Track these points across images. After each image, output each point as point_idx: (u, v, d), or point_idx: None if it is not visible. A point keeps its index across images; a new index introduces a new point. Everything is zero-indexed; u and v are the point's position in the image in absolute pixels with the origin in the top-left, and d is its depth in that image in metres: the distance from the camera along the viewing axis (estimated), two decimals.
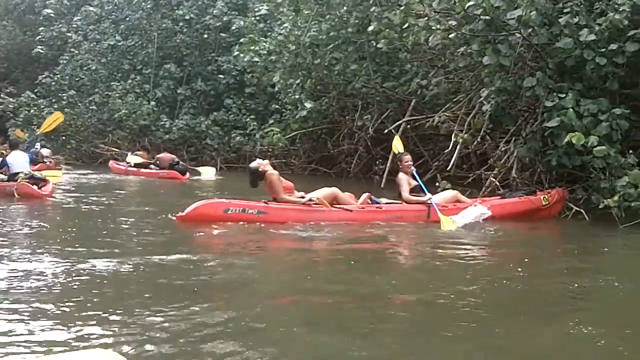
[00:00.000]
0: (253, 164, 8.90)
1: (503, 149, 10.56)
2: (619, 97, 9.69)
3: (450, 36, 9.87)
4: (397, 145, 9.93)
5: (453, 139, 11.50)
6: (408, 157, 9.26)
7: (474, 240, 7.67)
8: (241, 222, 7.90)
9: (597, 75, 9.47)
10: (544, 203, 9.14)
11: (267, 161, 8.93)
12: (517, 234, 8.31)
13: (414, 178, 9.05)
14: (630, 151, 9.12)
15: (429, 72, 14.20)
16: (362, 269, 5.92)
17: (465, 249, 6.98)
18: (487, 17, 9.53)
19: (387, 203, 8.89)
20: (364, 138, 15.29)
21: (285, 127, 18.23)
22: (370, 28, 12.25)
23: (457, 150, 11.43)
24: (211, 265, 5.83)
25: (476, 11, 9.51)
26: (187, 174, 17.42)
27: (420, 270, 6.09)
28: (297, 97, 16.10)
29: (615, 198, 8.47)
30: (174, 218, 8.17)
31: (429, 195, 8.88)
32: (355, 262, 6.22)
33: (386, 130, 13.84)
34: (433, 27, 10.15)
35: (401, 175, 9.05)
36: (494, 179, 10.29)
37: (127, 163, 18.71)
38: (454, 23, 9.93)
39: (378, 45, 12.66)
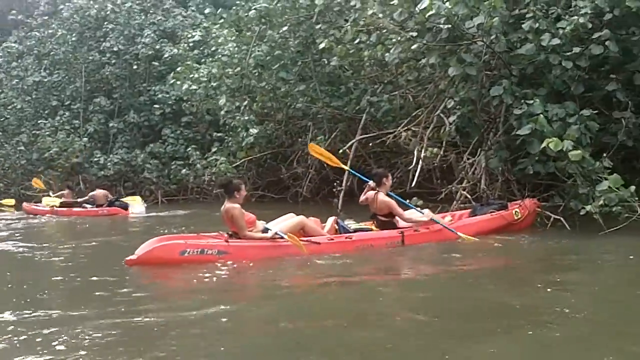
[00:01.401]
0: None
1: (470, 161, 10.13)
2: (580, 101, 9.46)
3: (413, 47, 9.42)
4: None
5: (416, 154, 11.03)
6: (390, 176, 8.65)
7: (452, 258, 7.24)
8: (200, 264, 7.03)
9: (561, 80, 9.23)
10: (516, 217, 8.75)
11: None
12: (498, 247, 7.87)
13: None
14: (605, 154, 8.86)
15: (377, 88, 13.78)
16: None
17: (442, 268, 6.69)
18: (449, 26, 9.14)
19: (356, 230, 8.22)
20: (318, 160, 14.59)
21: (229, 154, 17.43)
22: (322, 45, 11.67)
23: (419, 166, 10.95)
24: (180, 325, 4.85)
25: (438, 20, 9.10)
26: (130, 209, 16.38)
27: (399, 296, 5.59)
28: (246, 118, 15.30)
29: (600, 203, 8.13)
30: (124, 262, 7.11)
31: (428, 213, 8.32)
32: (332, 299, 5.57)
33: (341, 150, 13.23)
34: (394, 40, 9.67)
35: (385, 197, 8.30)
36: (464, 192, 9.83)
37: (48, 205, 17.41)
38: (415, 34, 9.48)
39: (332, 63, 12.06)
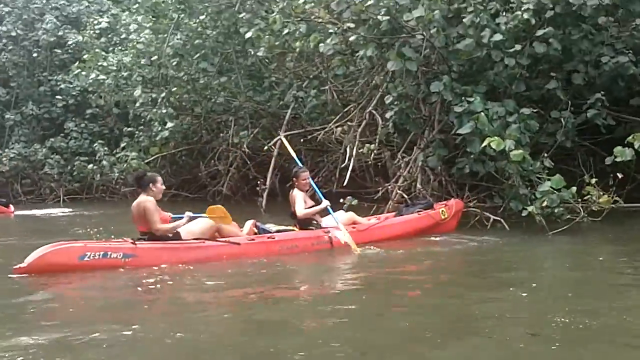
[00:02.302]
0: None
1: (406, 159, 9.78)
2: (516, 100, 9.31)
3: (351, 39, 8.93)
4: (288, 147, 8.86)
5: (348, 151, 10.57)
6: (306, 173, 8.12)
7: (383, 264, 6.87)
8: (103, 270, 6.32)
9: (501, 77, 9.05)
10: (443, 217, 8.48)
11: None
12: (432, 251, 7.53)
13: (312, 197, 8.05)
14: (545, 154, 8.73)
15: (303, 83, 13.27)
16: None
17: (373, 275, 6.30)
18: (387, 18, 8.73)
19: (279, 231, 7.70)
20: (240, 157, 13.93)
21: (141, 150, 16.39)
22: (248, 35, 10.98)
23: (351, 164, 10.51)
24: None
25: (376, 11, 8.66)
26: (12, 207, 15.20)
27: (322, 304, 5.11)
28: (163, 111, 14.34)
29: (544, 204, 7.97)
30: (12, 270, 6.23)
31: (325, 202, 7.93)
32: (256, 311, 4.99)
33: (266, 147, 12.65)
34: (330, 31, 9.16)
35: (296, 191, 7.92)
36: (399, 191, 9.47)
37: None
38: (352, 25, 9.01)
39: (259, 54, 11.39)
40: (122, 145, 17.38)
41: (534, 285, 5.47)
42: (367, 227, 7.99)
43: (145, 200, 6.81)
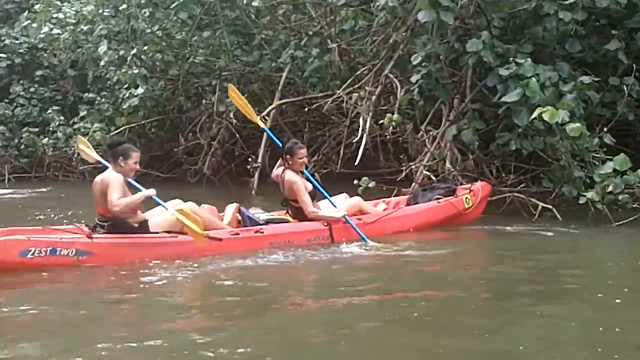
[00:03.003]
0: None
1: (433, 133, 9.35)
2: (568, 63, 8.89)
3: None
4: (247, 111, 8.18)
5: (361, 123, 10.10)
6: (304, 150, 7.55)
7: (402, 260, 6.46)
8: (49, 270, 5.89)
9: (552, 35, 8.62)
10: (466, 205, 8.04)
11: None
12: (466, 249, 7.13)
13: (308, 180, 7.52)
14: (604, 129, 8.33)
15: (301, 41, 12.76)
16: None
17: (392, 277, 5.90)
18: None
19: (268, 222, 7.21)
20: (225, 129, 13.45)
21: (103, 120, 15.81)
22: None
23: (364, 139, 10.04)
24: None
25: None
26: None
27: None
28: (135, 72, 13.75)
29: (604, 190, 7.57)
30: None
31: (341, 210, 7.36)
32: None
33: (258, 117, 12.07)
34: None
35: (293, 176, 7.33)
36: (426, 172, 9.05)
37: None
38: None
39: (254, 3, 10.84)
40: (81, 114, 16.73)
41: (599, 296, 4.95)
42: (377, 218, 7.52)
43: (108, 177, 6.34)
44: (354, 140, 10.23)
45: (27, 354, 3.90)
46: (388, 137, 9.69)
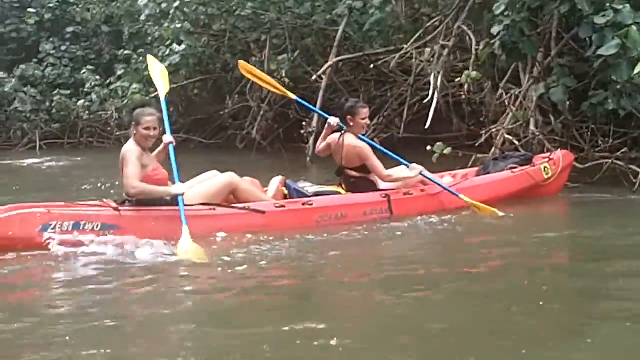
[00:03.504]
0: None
1: (516, 92, 9.12)
2: None
3: None
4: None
5: (432, 81, 9.90)
6: (366, 110, 7.28)
7: (476, 240, 6.23)
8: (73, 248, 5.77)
9: None
10: (545, 176, 7.70)
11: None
12: (548, 222, 6.88)
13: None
14: None
15: None
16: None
17: (464, 257, 5.61)
18: None
19: (317, 194, 6.96)
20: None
21: (141, 81, 15.91)
22: None
23: (435, 99, 9.86)
24: None
25: None
26: None
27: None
28: (177, 26, 13.74)
29: None
30: None
31: (414, 167, 7.13)
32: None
33: (313, 77, 12.04)
34: None
35: (354, 140, 7.09)
36: (508, 136, 8.84)
37: None
38: None
39: None
40: (118, 73, 16.86)
41: None
42: (440, 190, 7.20)
43: (126, 149, 6.17)
44: (424, 101, 10.02)
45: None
46: (463, 96, 9.45)
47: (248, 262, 5.38)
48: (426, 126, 9.88)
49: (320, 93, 12.43)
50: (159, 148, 6.55)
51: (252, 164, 11.62)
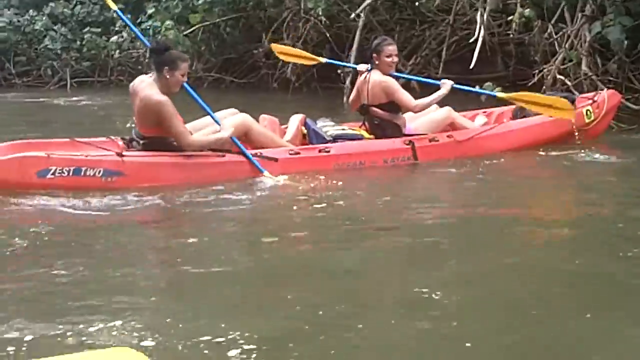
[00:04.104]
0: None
1: (568, 31, 8.74)
2: None
3: None
4: None
5: (478, 19, 9.52)
6: (393, 47, 6.92)
7: (510, 192, 5.81)
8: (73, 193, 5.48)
9: None
10: (587, 120, 7.27)
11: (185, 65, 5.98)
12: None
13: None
14: None
15: None
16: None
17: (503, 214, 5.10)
18: None
19: (337, 139, 6.58)
20: (313, 27, 13.16)
21: (174, 18, 15.52)
22: None
23: (480, 37, 9.48)
24: None
25: None
26: None
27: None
28: None
29: None
30: None
31: (446, 81, 6.84)
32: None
33: (352, 15, 11.68)
34: None
35: (381, 75, 6.73)
36: (559, 76, 8.48)
37: None
38: None
39: None
40: (149, 11, 16.47)
41: None
42: (472, 134, 6.81)
43: (153, 95, 5.70)
44: (470, 41, 9.66)
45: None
46: (511, 35, 9.08)
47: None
48: (471, 66, 9.54)
49: (357, 33, 12.13)
50: None
51: (287, 105, 11.31)
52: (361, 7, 11.81)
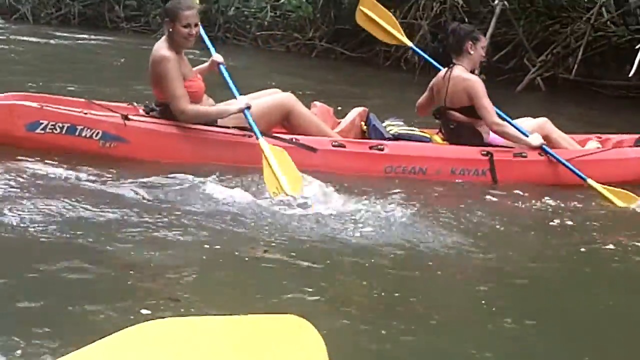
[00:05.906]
0: None
1: None
2: None
3: None
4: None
5: None
6: (484, 40, 5.86)
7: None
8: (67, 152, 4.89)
9: None
10: None
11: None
12: None
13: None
14: None
15: None
16: None
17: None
18: None
19: (399, 138, 5.51)
20: (449, 10, 12.54)
21: None
22: None
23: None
24: None
25: None
26: None
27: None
28: None
29: None
30: None
31: (537, 137, 5.49)
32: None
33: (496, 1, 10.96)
34: None
35: (464, 72, 5.57)
36: None
37: None
38: None
39: None
40: None
41: None
42: (575, 155, 5.48)
43: (158, 50, 5.05)
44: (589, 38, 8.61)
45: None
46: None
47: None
48: (631, 74, 8.33)
49: (493, 20, 11.32)
50: (204, 66, 5.48)
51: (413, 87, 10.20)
52: None
